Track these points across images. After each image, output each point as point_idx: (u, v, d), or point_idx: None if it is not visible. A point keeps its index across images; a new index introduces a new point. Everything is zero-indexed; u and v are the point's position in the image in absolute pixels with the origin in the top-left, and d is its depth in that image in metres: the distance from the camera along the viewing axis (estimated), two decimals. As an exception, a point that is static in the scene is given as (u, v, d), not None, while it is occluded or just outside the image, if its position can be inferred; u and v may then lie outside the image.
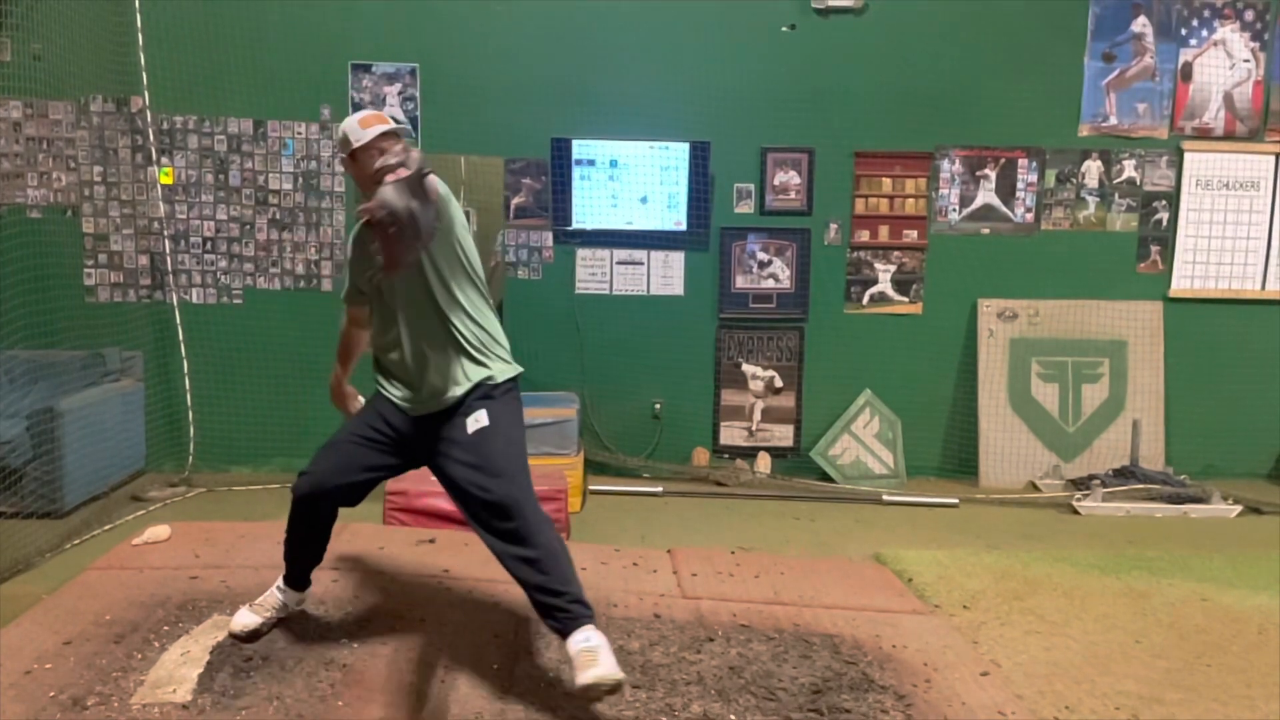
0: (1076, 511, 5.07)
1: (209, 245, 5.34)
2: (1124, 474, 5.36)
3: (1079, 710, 2.75)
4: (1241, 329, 5.74)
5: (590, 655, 2.43)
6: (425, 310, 2.62)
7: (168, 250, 5.28)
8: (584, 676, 2.39)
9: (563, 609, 2.52)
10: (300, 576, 2.93)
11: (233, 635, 2.81)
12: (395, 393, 2.73)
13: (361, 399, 3.04)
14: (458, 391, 2.64)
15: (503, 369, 2.71)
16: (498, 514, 2.56)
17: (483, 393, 2.65)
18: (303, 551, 2.87)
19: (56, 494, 4.37)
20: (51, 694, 2.49)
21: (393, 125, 2.64)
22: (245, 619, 2.83)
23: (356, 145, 2.60)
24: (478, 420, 2.62)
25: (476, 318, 2.68)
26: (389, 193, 2.24)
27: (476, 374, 2.65)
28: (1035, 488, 5.52)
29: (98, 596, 3.14)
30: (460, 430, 2.63)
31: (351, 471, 2.71)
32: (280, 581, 2.92)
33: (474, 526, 2.64)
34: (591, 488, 5.11)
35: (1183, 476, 5.43)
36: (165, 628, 2.91)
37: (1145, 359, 5.69)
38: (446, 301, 2.62)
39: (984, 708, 2.69)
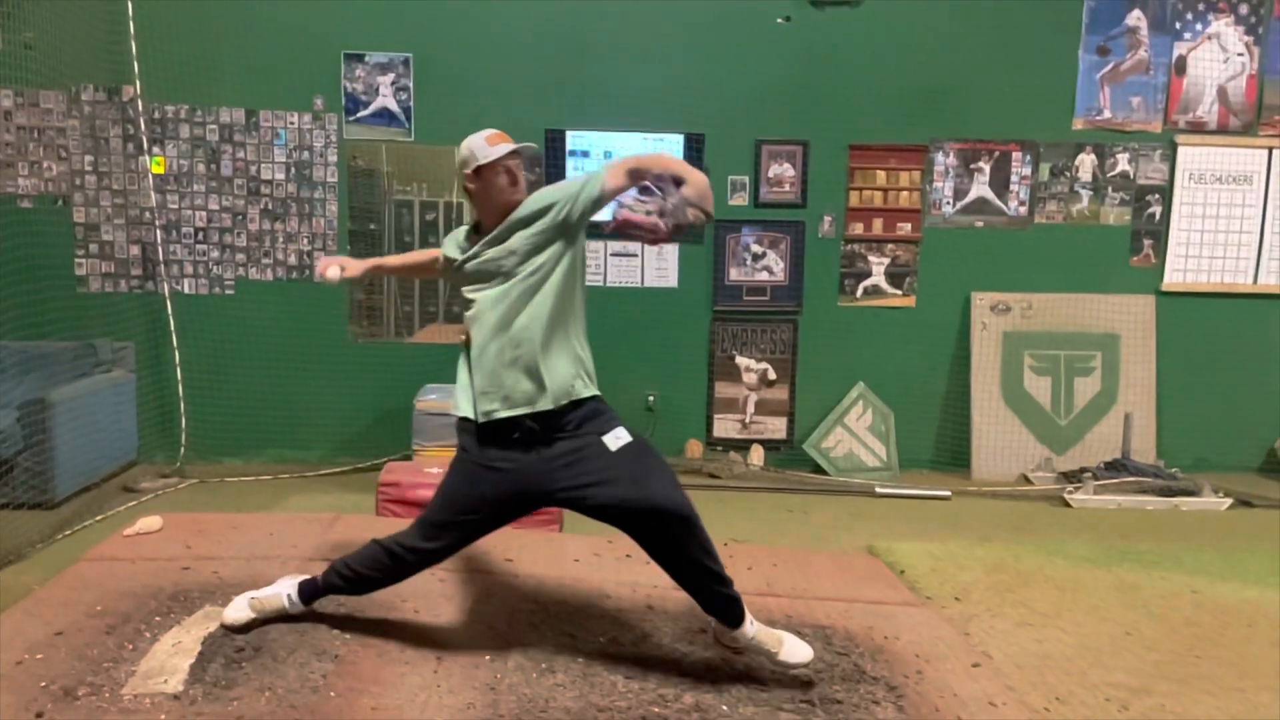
0: (1068, 504, 5.09)
1: (201, 235, 5.32)
2: (1115, 467, 5.37)
3: (1069, 701, 2.76)
4: (1233, 323, 5.76)
5: (774, 634, 2.73)
6: (555, 309, 2.58)
7: (159, 240, 5.25)
8: (799, 655, 2.69)
9: (736, 599, 2.69)
10: (318, 597, 2.86)
11: (225, 626, 2.80)
12: (498, 409, 2.56)
13: (338, 272, 2.90)
14: (565, 400, 2.57)
15: (595, 390, 2.69)
16: (679, 524, 2.54)
17: (609, 415, 2.63)
18: (358, 590, 2.81)
19: (48, 485, 4.36)
20: (43, 684, 2.48)
21: (517, 145, 2.64)
22: (240, 613, 2.82)
23: (484, 162, 2.58)
24: (619, 437, 2.58)
25: (583, 331, 2.71)
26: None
27: (586, 389, 2.63)
28: (1027, 480, 5.53)
29: (89, 587, 3.13)
30: (602, 447, 2.55)
31: (469, 544, 2.76)
32: (294, 590, 2.84)
33: (655, 548, 2.62)
34: (585, 480, 5.10)
35: (1174, 469, 5.45)
36: (157, 618, 2.90)
37: (1137, 352, 5.71)
38: (569, 308, 2.62)
39: (975, 699, 2.70)
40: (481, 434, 2.61)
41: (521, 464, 2.57)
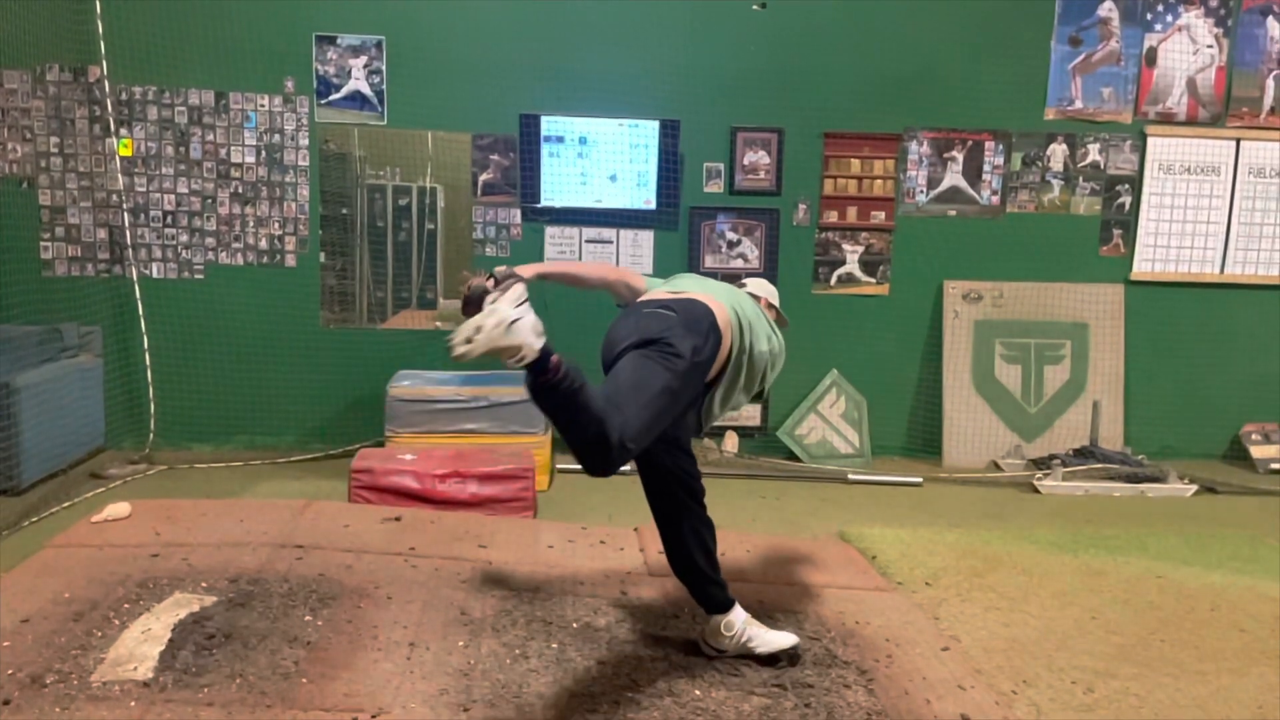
0: (1037, 490, 5.15)
1: (169, 219, 5.25)
2: (1084, 454, 5.44)
3: (1036, 684, 2.80)
4: (1200, 312, 5.84)
5: (760, 624, 2.82)
6: None
7: (127, 224, 5.18)
8: (788, 640, 2.79)
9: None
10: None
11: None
12: None
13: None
14: None
15: None
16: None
17: None
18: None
19: (14, 470, 4.30)
20: (10, 672, 2.46)
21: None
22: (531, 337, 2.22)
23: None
24: None
25: None
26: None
27: None
28: (997, 467, 5.59)
29: (56, 574, 3.09)
30: None
31: None
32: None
33: (692, 507, 2.99)
34: (559, 466, 5.10)
35: (1140, 456, 5.52)
36: (126, 605, 2.87)
37: (1106, 341, 5.78)
38: None
39: (944, 682, 2.73)
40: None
41: None
